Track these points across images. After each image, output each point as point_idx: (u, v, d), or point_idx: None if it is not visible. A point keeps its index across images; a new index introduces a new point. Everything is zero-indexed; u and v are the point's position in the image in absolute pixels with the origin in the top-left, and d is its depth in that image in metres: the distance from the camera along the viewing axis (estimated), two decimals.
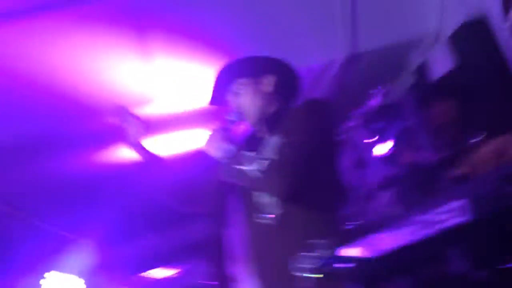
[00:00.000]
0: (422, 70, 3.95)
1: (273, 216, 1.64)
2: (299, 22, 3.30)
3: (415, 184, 3.69)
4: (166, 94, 3.17)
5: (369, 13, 3.40)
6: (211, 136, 1.73)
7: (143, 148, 1.96)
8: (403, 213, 1.42)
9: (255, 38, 3.20)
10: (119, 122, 1.90)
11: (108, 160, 4.05)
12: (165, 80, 3.09)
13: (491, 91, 3.27)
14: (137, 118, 1.90)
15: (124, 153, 3.98)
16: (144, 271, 4.55)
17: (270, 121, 1.78)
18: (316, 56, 3.44)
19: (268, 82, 1.81)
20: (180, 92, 3.20)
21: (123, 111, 1.90)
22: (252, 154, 1.65)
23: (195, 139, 4.14)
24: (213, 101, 1.90)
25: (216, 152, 1.70)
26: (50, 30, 2.66)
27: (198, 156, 1.86)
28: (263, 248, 1.68)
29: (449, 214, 0.64)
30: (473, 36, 3.39)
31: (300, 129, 1.63)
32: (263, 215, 1.66)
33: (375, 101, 3.92)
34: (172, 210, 2.04)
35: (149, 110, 3.25)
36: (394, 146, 3.92)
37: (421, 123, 4.46)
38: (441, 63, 3.68)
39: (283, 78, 1.83)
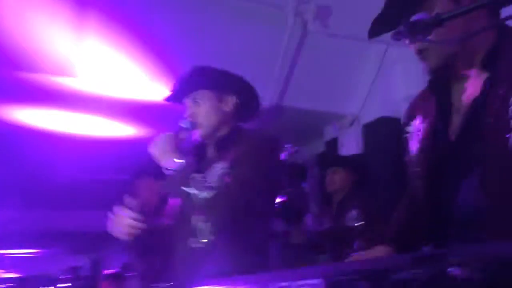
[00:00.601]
0: (332, 144, 4.20)
1: (205, 241, 1.62)
2: (244, 61, 3.38)
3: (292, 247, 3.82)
4: (92, 73, 3.03)
5: (304, 77, 3.60)
6: (162, 140, 1.68)
7: None
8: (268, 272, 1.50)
9: (193, 52, 3.24)
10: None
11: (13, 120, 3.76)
12: (93, 59, 2.97)
13: (384, 182, 3.57)
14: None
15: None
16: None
17: (222, 141, 1.75)
18: None
19: (231, 102, 1.78)
20: (106, 76, 3.08)
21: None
22: (198, 176, 1.61)
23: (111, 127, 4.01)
24: (170, 98, 1.83)
25: (163, 159, 1.67)
26: None
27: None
28: (190, 271, 1.65)
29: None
30: (384, 131, 3.71)
31: (250, 162, 1.63)
32: (196, 239, 1.64)
33: (282, 156, 4.08)
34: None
35: (71, 83, 3.07)
36: (286, 202, 4.05)
37: (316, 188, 4.71)
38: (350, 144, 3.95)
39: (246, 101, 1.82)
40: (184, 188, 1.58)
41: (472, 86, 1.17)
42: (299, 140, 4.51)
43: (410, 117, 1.36)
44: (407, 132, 1.35)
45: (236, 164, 1.64)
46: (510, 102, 1.04)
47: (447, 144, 1.18)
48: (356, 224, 3.00)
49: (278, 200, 3.95)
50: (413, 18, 1.10)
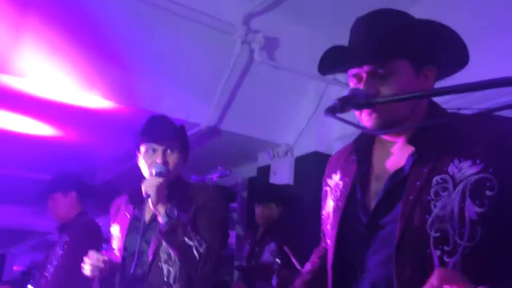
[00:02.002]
0: (264, 170, 4.25)
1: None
2: (187, 79, 3.37)
3: None
4: (26, 72, 2.84)
5: (244, 103, 3.63)
6: (158, 185, 1.74)
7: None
8: None
9: (137, 64, 3.17)
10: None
11: None
12: (29, 59, 2.80)
13: (309, 216, 3.64)
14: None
15: None
16: None
17: (170, 190, 1.86)
18: (185, 113, 3.50)
19: (186, 157, 1.98)
20: (40, 77, 2.90)
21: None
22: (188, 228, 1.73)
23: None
24: (146, 139, 1.91)
25: (161, 206, 1.73)
26: None
27: None
28: None
29: None
30: (316, 165, 3.81)
31: (221, 224, 1.83)
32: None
33: (213, 177, 4.06)
34: None
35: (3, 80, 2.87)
36: None
37: (244, 211, 4.73)
38: (282, 173, 4.01)
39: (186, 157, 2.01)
40: (186, 240, 1.69)
41: (396, 157, 1.18)
42: (233, 163, 4.52)
43: (333, 170, 1.36)
44: (328, 185, 1.34)
45: (202, 220, 1.81)
46: (432, 184, 1.05)
47: (362, 214, 1.16)
48: (273, 258, 3.06)
49: None
50: (349, 92, 1.11)
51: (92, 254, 1.79)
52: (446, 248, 1.00)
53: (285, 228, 3.46)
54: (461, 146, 1.07)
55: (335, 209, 1.24)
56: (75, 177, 3.23)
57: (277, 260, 2.61)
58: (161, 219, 1.73)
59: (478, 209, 0.99)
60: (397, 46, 1.11)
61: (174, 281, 1.73)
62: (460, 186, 1.02)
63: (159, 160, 1.84)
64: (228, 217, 1.94)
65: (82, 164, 4.70)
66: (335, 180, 1.31)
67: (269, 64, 3.46)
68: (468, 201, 1.00)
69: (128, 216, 1.95)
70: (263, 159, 4.31)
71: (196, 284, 1.76)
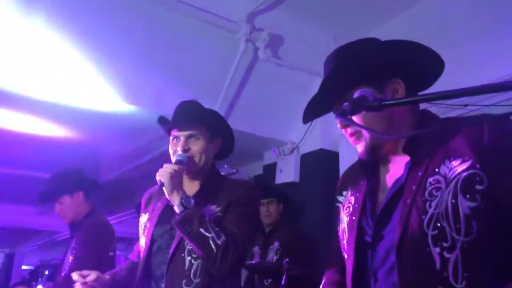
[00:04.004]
0: (270, 168, 4.24)
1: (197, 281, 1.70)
2: (192, 78, 3.36)
3: None
4: (33, 74, 2.84)
5: (249, 101, 3.62)
6: (173, 172, 1.68)
7: None
8: None
9: (144, 64, 3.17)
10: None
11: None
12: (37, 61, 2.80)
13: (315, 212, 3.65)
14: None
15: None
16: None
17: (207, 183, 1.84)
18: None
19: (218, 144, 1.92)
20: (48, 79, 2.90)
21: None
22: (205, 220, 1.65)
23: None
24: (170, 126, 1.86)
25: (175, 194, 1.67)
26: None
27: None
28: None
29: None
30: (321, 162, 3.81)
31: (248, 216, 1.75)
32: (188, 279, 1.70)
33: None
34: None
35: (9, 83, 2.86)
36: None
37: None
38: (288, 170, 4.00)
39: (226, 144, 1.96)
40: (202, 231, 1.61)
41: (395, 168, 1.24)
42: (239, 161, 4.52)
43: (343, 187, 1.42)
44: (339, 202, 1.40)
45: (234, 213, 1.74)
46: (427, 186, 1.09)
47: (372, 224, 1.21)
48: (277, 257, 3.08)
49: None
50: (357, 94, 1.14)
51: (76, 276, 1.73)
52: (445, 244, 1.03)
53: (288, 227, 3.48)
54: (449, 146, 1.11)
55: (350, 223, 1.28)
56: (77, 173, 3.04)
57: (286, 259, 2.62)
58: (176, 209, 1.67)
59: (471, 204, 1.03)
60: (352, 82, 1.21)
61: (195, 275, 1.66)
62: (452, 184, 1.06)
63: (180, 148, 1.77)
64: (258, 215, 1.89)
65: (88, 162, 4.70)
66: (345, 196, 1.37)
67: (273, 62, 3.45)
68: (460, 197, 1.04)
69: (160, 206, 1.87)
70: (269, 157, 4.30)
71: (217, 283, 1.68)
